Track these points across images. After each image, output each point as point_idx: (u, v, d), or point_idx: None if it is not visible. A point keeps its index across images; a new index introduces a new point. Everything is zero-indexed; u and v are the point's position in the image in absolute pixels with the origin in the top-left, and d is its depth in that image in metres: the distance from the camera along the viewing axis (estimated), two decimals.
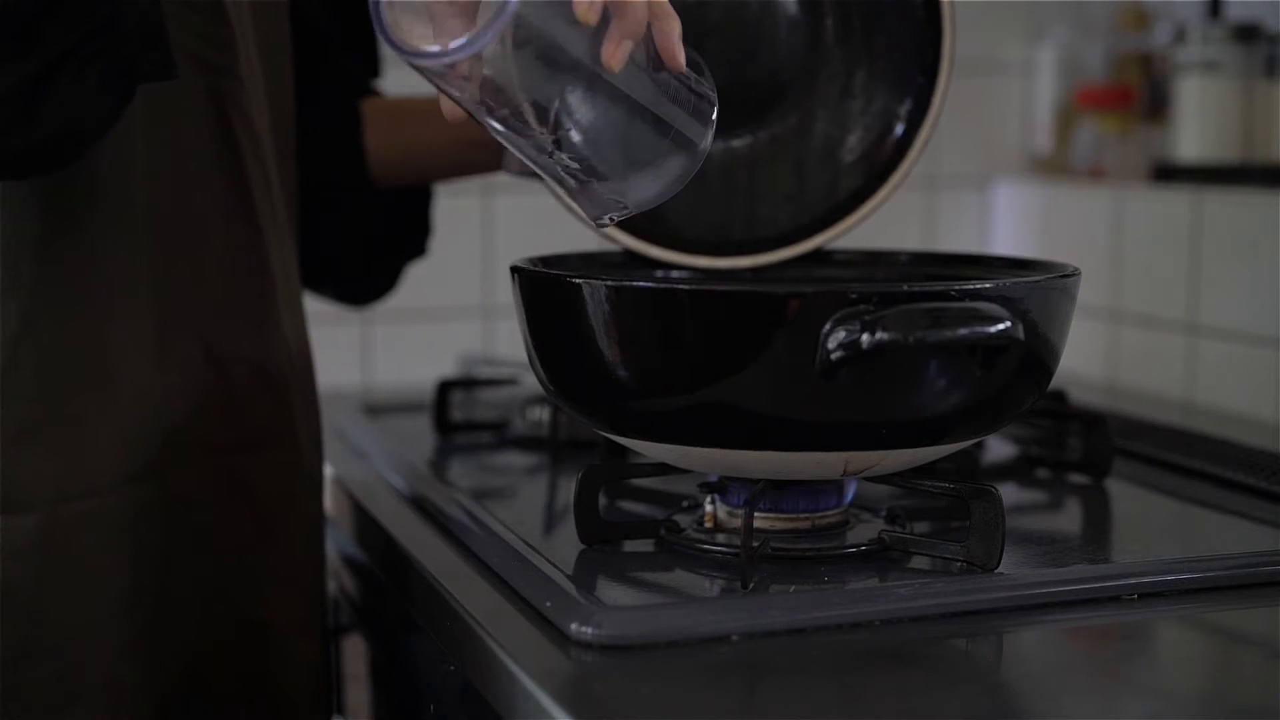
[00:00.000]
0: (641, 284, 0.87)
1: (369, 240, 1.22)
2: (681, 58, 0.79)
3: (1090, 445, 1.11)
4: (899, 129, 1.06)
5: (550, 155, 0.79)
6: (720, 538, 0.92)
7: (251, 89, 1.00)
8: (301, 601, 1.06)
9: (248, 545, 1.01)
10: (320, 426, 1.09)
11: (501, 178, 1.16)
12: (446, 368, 1.52)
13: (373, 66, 1.24)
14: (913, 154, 1.05)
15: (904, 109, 1.06)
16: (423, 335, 1.69)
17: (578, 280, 0.86)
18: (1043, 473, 1.14)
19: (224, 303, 0.99)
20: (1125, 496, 1.09)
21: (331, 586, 1.23)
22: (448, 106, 0.79)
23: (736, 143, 1.08)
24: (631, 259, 1.04)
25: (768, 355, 0.82)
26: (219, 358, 0.98)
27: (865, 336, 0.79)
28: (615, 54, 0.76)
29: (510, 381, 1.39)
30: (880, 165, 1.06)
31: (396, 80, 1.33)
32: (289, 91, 1.09)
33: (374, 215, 1.20)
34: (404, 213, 1.23)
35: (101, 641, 0.94)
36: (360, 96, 1.20)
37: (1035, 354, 0.86)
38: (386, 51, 1.27)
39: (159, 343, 0.95)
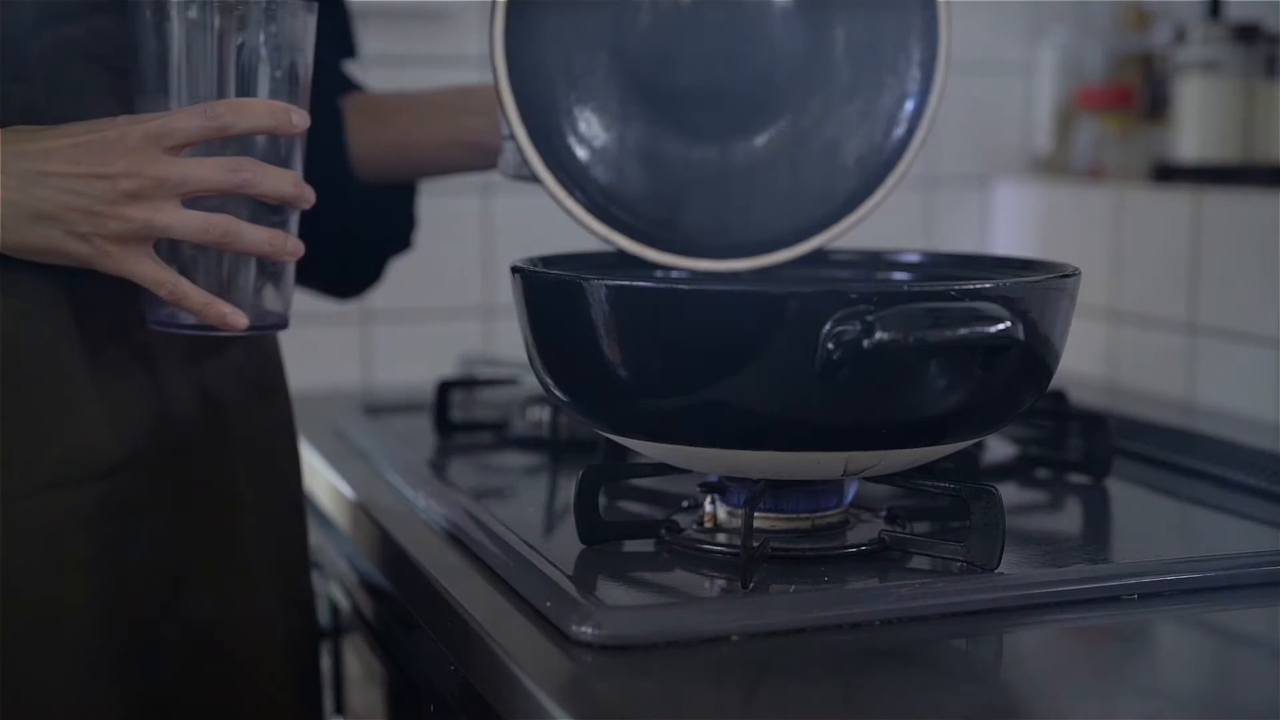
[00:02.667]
0: (641, 284, 0.87)
1: (351, 237, 1.19)
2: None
3: (1090, 445, 1.11)
4: (897, 130, 1.06)
5: None
6: (720, 538, 0.92)
7: None
8: (277, 603, 1.04)
9: (208, 549, 0.99)
10: (293, 422, 1.09)
11: (501, 177, 1.16)
12: (446, 368, 1.52)
13: (348, 47, 1.20)
14: (910, 154, 1.05)
15: (902, 109, 1.05)
16: (423, 335, 1.69)
17: (578, 280, 0.86)
18: (1043, 473, 1.14)
19: None
20: (1125, 496, 1.09)
21: (332, 587, 1.23)
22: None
23: (735, 144, 1.08)
24: (631, 260, 1.04)
25: (768, 355, 0.82)
26: (162, 365, 0.97)
27: (865, 337, 0.79)
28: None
29: (510, 381, 1.39)
30: (878, 166, 1.06)
31: (383, 78, 1.33)
32: None
33: (356, 212, 1.17)
34: (387, 208, 1.21)
35: (14, 657, 0.91)
36: (341, 93, 1.17)
37: (1035, 354, 0.86)
38: (363, 37, 1.24)
39: (100, 347, 0.93)
